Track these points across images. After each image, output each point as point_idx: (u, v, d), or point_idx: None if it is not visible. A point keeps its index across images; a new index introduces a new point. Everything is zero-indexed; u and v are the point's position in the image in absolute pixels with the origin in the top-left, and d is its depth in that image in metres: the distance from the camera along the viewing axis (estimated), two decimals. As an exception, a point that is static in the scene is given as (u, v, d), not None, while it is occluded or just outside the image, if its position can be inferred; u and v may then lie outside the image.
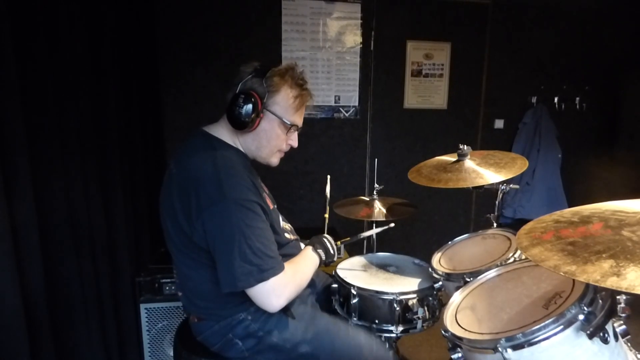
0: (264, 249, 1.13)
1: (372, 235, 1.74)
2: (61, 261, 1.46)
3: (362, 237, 1.63)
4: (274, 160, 1.35)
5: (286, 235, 1.39)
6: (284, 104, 1.25)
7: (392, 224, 1.67)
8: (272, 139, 1.28)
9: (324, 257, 1.37)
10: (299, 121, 1.31)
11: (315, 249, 1.36)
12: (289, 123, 1.27)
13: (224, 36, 2.78)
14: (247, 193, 1.15)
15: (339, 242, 1.48)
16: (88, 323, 1.62)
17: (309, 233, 1.53)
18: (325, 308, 1.50)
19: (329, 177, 1.74)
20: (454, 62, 3.19)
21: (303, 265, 1.30)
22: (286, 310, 1.27)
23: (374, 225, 1.99)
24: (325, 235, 1.45)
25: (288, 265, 1.20)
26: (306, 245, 1.40)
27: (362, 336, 1.36)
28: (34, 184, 1.29)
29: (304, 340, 1.27)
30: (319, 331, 1.30)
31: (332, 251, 1.40)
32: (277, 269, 1.14)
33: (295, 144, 1.35)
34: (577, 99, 3.35)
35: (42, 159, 1.35)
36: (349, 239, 1.57)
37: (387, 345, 1.46)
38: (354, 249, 2.75)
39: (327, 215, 1.69)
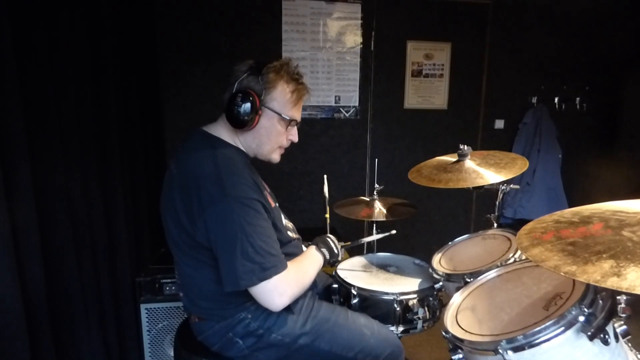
0: (266, 247, 1.13)
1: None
2: (61, 261, 1.46)
3: (363, 242, 1.62)
4: (275, 157, 1.35)
5: (289, 233, 1.39)
6: (282, 100, 1.25)
7: (394, 231, 1.62)
8: (272, 135, 1.28)
9: (328, 257, 1.36)
10: (297, 116, 1.31)
11: (319, 249, 1.36)
12: (288, 118, 1.27)
13: (224, 36, 2.78)
14: (249, 191, 1.15)
15: (339, 245, 1.47)
16: (88, 323, 1.62)
17: (309, 233, 1.53)
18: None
19: (325, 177, 1.73)
20: (454, 62, 3.19)
21: (306, 264, 1.30)
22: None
23: (374, 225, 1.99)
24: (329, 235, 1.45)
25: (291, 264, 1.20)
26: (309, 245, 1.40)
27: (362, 319, 1.36)
28: (34, 184, 1.29)
29: (303, 332, 1.26)
30: (317, 321, 1.29)
31: (336, 251, 1.40)
32: (279, 267, 1.14)
33: (295, 138, 1.35)
34: (578, 99, 3.35)
35: (42, 159, 1.35)
36: (349, 243, 1.57)
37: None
38: (354, 250, 2.75)
39: (327, 216, 1.68)
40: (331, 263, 1.40)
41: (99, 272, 1.70)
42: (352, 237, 1.65)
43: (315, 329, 1.28)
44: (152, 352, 2.04)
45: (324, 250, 1.36)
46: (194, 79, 2.78)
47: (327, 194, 1.71)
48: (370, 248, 2.07)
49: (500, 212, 3.22)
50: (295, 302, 1.29)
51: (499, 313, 1.07)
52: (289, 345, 1.26)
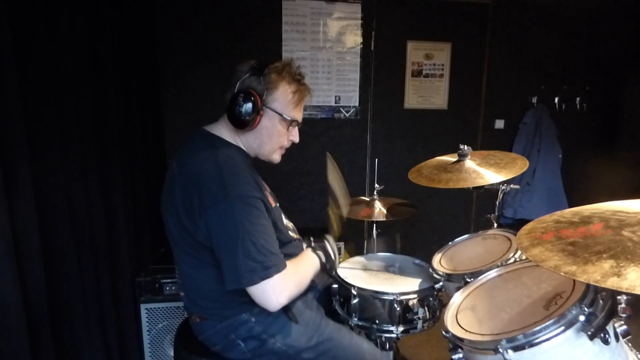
0: (267, 246, 1.13)
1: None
2: (61, 261, 1.46)
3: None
4: (276, 157, 1.35)
5: (289, 233, 1.39)
6: (283, 100, 1.26)
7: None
8: (273, 135, 1.29)
9: (323, 259, 1.36)
10: (299, 116, 1.31)
11: (314, 250, 1.36)
12: (289, 119, 1.28)
13: (224, 36, 2.78)
14: (250, 190, 1.16)
15: (334, 246, 1.43)
16: (88, 323, 1.62)
17: (309, 233, 1.52)
18: (326, 308, 1.50)
19: (328, 154, 1.57)
20: (454, 62, 3.19)
21: (303, 265, 1.29)
22: (290, 314, 1.27)
23: (374, 225, 1.99)
24: (327, 236, 1.44)
25: (290, 263, 1.20)
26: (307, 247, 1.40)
27: (365, 345, 1.36)
28: (34, 184, 1.29)
29: (307, 347, 1.26)
30: (323, 339, 1.29)
31: (332, 256, 1.40)
32: (280, 267, 1.14)
33: (296, 139, 1.35)
34: (578, 99, 3.35)
35: (42, 159, 1.35)
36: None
37: (388, 346, 1.46)
38: (354, 250, 2.75)
39: (330, 210, 1.53)
40: (329, 268, 1.38)
41: (99, 272, 1.70)
42: (352, 237, 1.64)
43: (320, 347, 1.28)
44: (152, 352, 2.04)
45: (319, 252, 1.36)
46: (194, 79, 2.78)
47: (330, 181, 1.51)
48: (370, 248, 2.07)
49: (500, 212, 3.22)
50: (302, 313, 1.30)
51: (499, 313, 1.07)
52: (292, 357, 1.26)
